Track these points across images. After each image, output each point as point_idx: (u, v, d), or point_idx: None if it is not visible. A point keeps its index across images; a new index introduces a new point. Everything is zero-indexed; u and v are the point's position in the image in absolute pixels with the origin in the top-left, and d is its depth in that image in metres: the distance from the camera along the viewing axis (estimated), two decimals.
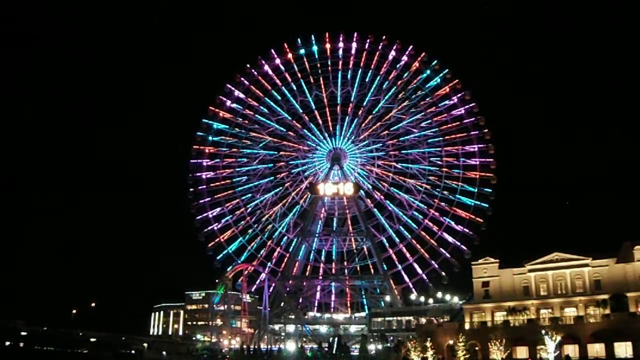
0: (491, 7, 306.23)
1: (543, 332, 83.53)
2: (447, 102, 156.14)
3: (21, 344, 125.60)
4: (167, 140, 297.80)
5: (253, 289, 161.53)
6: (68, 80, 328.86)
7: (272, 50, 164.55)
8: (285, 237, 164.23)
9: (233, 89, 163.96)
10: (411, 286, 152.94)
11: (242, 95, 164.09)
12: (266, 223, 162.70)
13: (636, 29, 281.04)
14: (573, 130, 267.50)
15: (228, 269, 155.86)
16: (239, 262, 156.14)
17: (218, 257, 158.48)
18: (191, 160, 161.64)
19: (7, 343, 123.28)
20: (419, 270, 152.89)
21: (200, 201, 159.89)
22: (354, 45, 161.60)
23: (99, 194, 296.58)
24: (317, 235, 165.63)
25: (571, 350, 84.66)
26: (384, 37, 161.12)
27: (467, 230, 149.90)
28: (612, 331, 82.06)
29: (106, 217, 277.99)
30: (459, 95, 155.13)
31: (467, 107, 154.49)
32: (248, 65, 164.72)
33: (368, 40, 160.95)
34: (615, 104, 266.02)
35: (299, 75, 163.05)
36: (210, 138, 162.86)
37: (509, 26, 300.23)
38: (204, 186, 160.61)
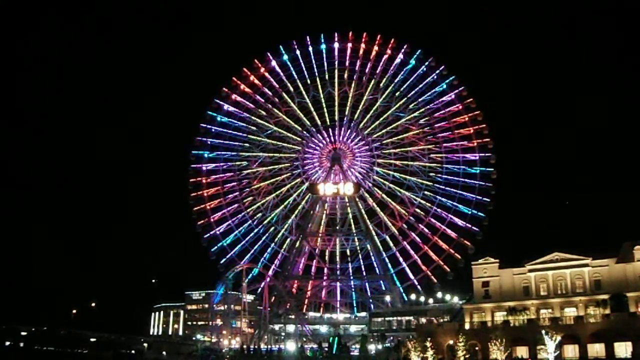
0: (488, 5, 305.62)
1: (543, 332, 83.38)
2: (444, 98, 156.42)
3: (21, 344, 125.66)
4: (167, 142, 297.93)
5: (258, 291, 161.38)
6: (67, 81, 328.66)
7: (268, 53, 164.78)
8: (289, 239, 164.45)
9: (230, 92, 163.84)
10: (416, 283, 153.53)
11: (239, 99, 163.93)
12: (268, 225, 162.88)
13: (635, 27, 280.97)
14: (573, 129, 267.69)
15: (229, 273, 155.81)
16: (242, 264, 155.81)
17: (221, 261, 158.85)
18: (191, 165, 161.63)
19: (7, 343, 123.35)
20: (424, 267, 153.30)
21: (202, 206, 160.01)
22: (350, 45, 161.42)
23: (99, 194, 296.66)
24: (319, 235, 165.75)
25: (571, 350, 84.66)
26: (378, 36, 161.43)
27: (469, 226, 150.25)
28: (612, 331, 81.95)
29: (106, 217, 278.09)
30: (456, 91, 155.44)
31: (464, 102, 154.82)
32: (244, 69, 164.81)
33: (363, 40, 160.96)
34: (616, 102, 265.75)
35: (296, 76, 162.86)
36: (209, 141, 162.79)
37: (507, 23, 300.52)
38: (205, 190, 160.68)
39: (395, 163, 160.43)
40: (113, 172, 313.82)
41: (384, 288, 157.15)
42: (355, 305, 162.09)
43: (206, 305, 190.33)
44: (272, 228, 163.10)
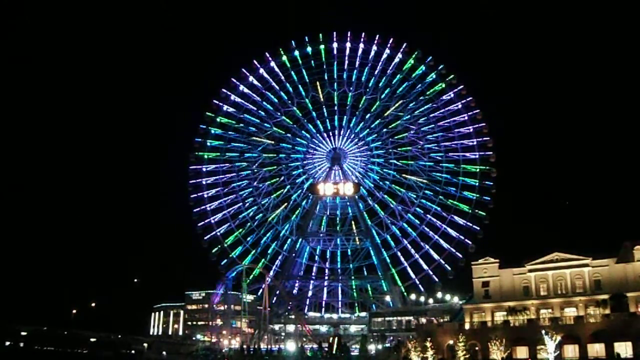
0: (485, 5, 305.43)
1: (543, 332, 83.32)
2: (443, 97, 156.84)
3: (21, 344, 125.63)
4: (166, 143, 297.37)
5: (259, 293, 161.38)
6: (66, 84, 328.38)
7: (267, 54, 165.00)
8: (289, 240, 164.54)
9: (229, 93, 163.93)
10: (417, 282, 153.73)
11: (238, 100, 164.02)
12: (269, 226, 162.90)
13: (635, 28, 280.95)
14: (573, 129, 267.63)
15: (229, 273, 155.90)
16: (243, 265, 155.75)
17: (222, 263, 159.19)
18: (190, 167, 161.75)
19: (7, 343, 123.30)
20: (425, 266, 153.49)
21: (202, 207, 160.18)
22: (348, 45, 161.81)
23: (99, 194, 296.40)
24: (320, 235, 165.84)
25: (571, 350, 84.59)
26: (377, 36, 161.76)
27: (470, 224, 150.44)
28: (612, 331, 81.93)
29: (106, 217, 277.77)
30: (455, 90, 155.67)
31: (464, 101, 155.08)
32: (243, 69, 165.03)
33: (362, 40, 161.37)
34: (616, 102, 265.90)
35: (295, 77, 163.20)
36: (208, 143, 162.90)
37: (507, 22, 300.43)
38: (205, 191, 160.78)
39: (395, 162, 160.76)
40: (113, 172, 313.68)
41: (384, 288, 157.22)
42: (356, 305, 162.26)
43: (206, 305, 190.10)
44: (273, 229, 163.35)
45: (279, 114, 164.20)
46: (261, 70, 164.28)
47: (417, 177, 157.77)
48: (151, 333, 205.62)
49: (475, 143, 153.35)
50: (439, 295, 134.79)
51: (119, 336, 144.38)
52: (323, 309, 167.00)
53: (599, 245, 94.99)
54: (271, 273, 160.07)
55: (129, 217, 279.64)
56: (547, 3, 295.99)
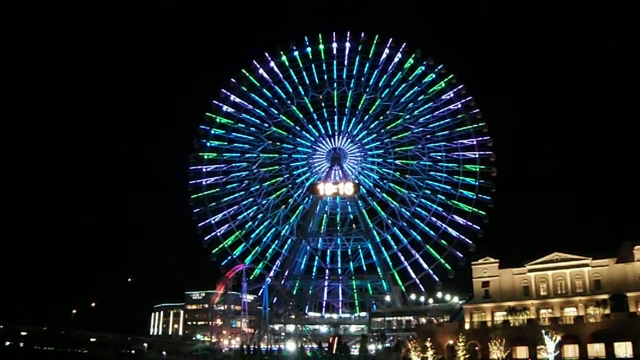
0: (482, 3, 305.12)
1: (543, 332, 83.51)
2: (443, 97, 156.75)
3: (21, 344, 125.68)
4: (166, 144, 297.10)
5: (260, 293, 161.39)
6: (66, 85, 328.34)
7: (266, 54, 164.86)
8: (290, 240, 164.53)
9: (229, 93, 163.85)
10: (418, 282, 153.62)
11: (238, 100, 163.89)
12: (269, 226, 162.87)
13: (635, 28, 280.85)
14: (573, 128, 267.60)
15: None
16: (243, 265, 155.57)
17: (222, 263, 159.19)
18: (190, 167, 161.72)
19: (7, 343, 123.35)
20: (425, 266, 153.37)
21: (202, 208, 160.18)
22: (347, 44, 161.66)
23: (99, 195, 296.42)
24: (320, 235, 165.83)
25: (571, 350, 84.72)
26: (377, 35, 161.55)
27: (470, 224, 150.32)
28: (612, 331, 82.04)
29: (106, 217, 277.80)
30: (455, 90, 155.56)
31: (463, 101, 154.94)
32: (243, 70, 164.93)
33: (361, 39, 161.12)
34: (616, 101, 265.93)
35: (295, 77, 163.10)
36: (208, 144, 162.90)
37: (507, 21, 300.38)
38: (205, 193, 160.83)
39: (395, 162, 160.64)
40: (113, 172, 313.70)
41: (385, 288, 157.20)
42: (356, 305, 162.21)
43: (206, 305, 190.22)
44: (273, 229, 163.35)
45: (278, 113, 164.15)
46: (261, 71, 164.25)
47: (417, 176, 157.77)
48: (151, 333, 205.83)
49: (475, 142, 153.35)
50: (439, 295, 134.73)
51: (121, 337, 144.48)
52: (323, 309, 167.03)
53: (599, 245, 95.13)
54: (271, 273, 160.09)
55: (129, 217, 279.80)
56: (547, 2, 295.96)
